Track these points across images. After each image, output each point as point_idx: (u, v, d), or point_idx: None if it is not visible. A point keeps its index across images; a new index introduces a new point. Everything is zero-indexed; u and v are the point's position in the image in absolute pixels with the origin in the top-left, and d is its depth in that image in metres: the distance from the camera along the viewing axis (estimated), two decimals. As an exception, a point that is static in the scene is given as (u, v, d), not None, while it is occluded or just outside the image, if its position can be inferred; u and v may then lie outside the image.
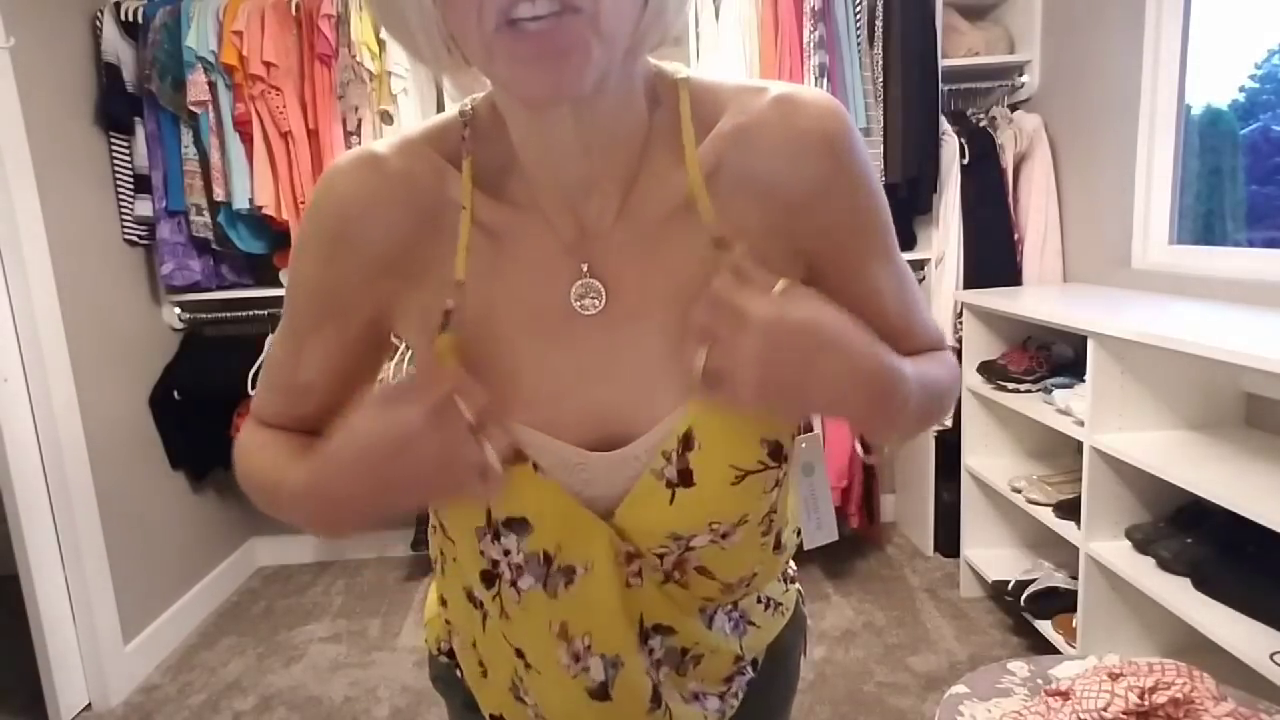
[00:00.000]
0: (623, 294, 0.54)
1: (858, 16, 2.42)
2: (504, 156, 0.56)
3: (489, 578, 0.60)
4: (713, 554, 0.59)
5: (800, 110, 0.53)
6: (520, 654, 0.61)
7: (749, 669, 0.70)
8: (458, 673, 0.71)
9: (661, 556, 0.59)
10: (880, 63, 2.46)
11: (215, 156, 2.42)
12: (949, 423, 2.58)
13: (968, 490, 2.44)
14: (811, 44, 2.39)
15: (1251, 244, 2.02)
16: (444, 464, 0.49)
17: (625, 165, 0.54)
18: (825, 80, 2.38)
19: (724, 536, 0.58)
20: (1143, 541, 1.73)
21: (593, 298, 0.54)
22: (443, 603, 0.71)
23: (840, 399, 0.50)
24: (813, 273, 0.58)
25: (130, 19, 2.41)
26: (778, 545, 0.66)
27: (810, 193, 0.54)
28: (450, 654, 0.73)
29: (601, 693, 0.59)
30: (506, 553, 0.57)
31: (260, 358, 2.61)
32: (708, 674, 0.65)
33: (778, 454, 0.57)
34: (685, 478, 0.54)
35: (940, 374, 0.62)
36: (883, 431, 0.59)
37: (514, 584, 0.58)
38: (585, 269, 0.54)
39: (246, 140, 2.41)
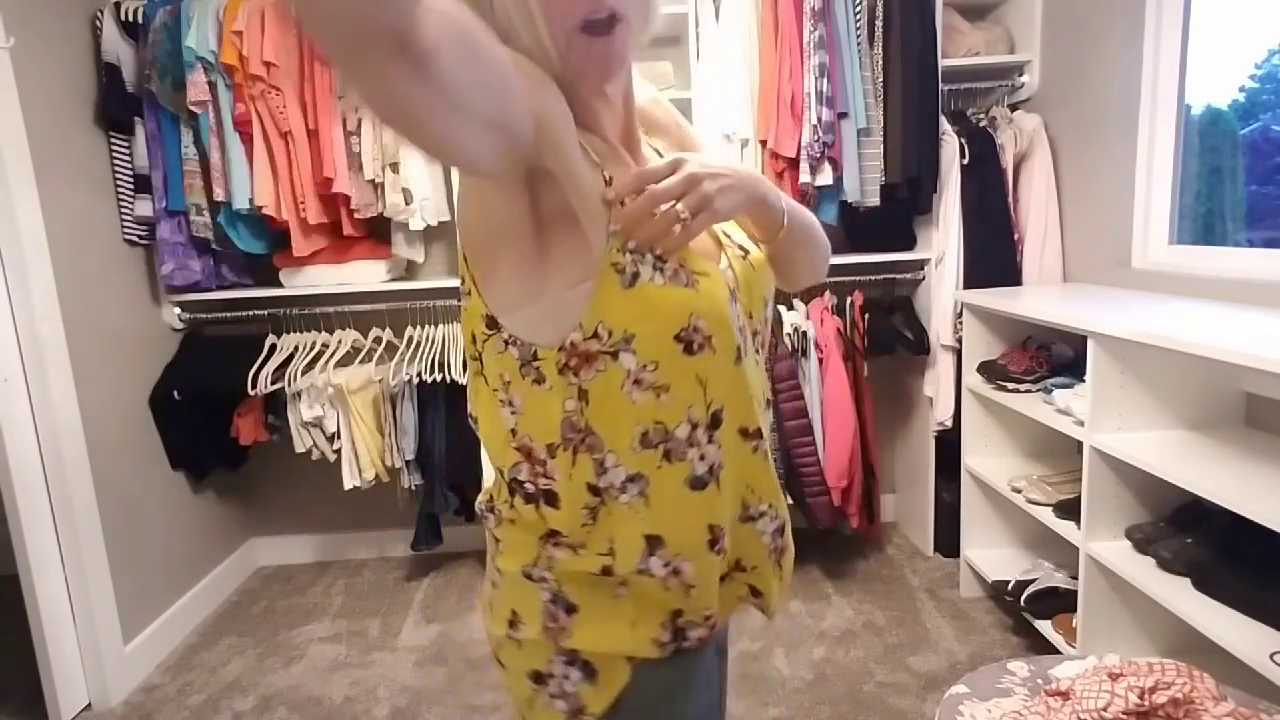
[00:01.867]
0: None
1: (858, 16, 2.42)
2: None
3: (740, 352, 0.75)
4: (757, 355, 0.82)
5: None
6: (759, 433, 0.78)
7: None
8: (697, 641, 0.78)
9: (757, 334, 0.81)
10: (880, 63, 2.46)
11: (215, 156, 2.42)
12: (949, 423, 2.59)
13: (968, 490, 2.44)
14: (811, 44, 2.39)
15: (1251, 244, 2.02)
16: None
17: (632, 116, 0.78)
18: (825, 80, 2.38)
19: (766, 305, 0.83)
20: (1143, 541, 1.73)
21: None
22: (611, 553, 0.75)
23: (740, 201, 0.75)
24: None
25: (130, 19, 2.41)
26: None
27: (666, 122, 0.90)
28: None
29: (762, 444, 0.79)
30: (741, 325, 0.76)
31: (260, 357, 2.61)
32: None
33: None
34: (746, 252, 0.81)
35: (813, 220, 0.88)
36: (769, 223, 0.80)
37: (750, 351, 0.78)
38: (631, 164, 0.77)
39: (246, 140, 2.40)
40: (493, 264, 0.71)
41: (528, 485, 0.75)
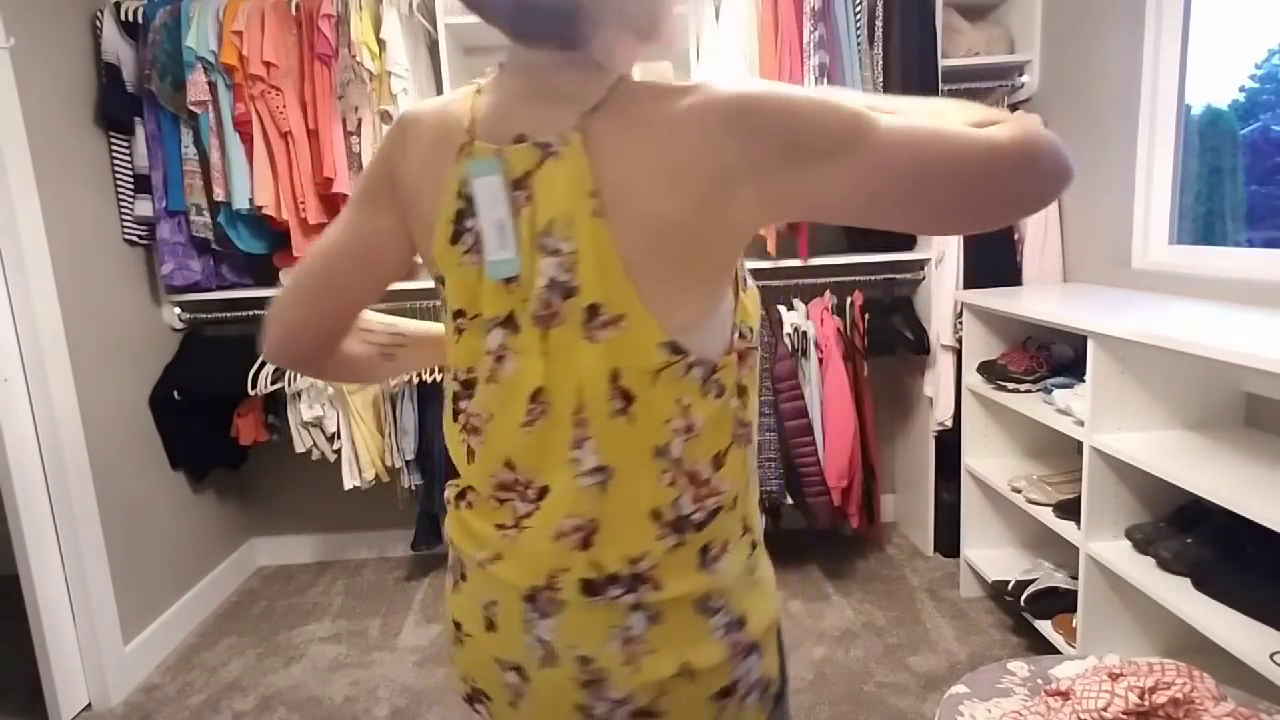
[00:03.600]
0: None
1: (858, 16, 2.42)
2: None
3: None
4: None
5: None
6: None
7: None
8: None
9: None
10: (880, 63, 2.46)
11: (215, 156, 2.42)
12: (949, 423, 2.59)
13: (968, 490, 2.44)
14: (811, 44, 2.39)
15: (1251, 244, 2.02)
16: None
17: None
18: (825, 80, 2.38)
19: None
20: (1143, 541, 1.73)
21: None
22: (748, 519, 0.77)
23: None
24: None
25: (130, 19, 2.41)
26: None
27: None
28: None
29: None
30: None
31: (260, 357, 2.61)
32: None
33: None
34: None
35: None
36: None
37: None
38: None
39: (246, 140, 2.40)
40: (682, 287, 0.66)
41: (695, 514, 0.71)
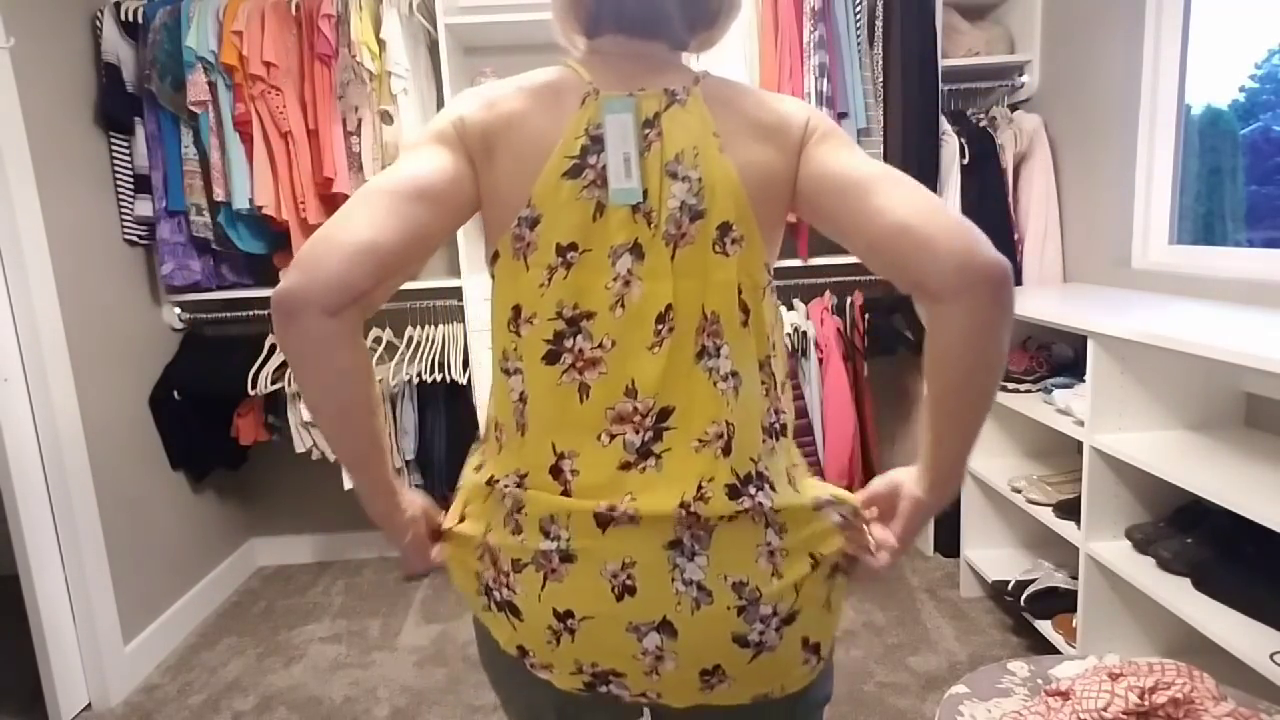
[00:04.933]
0: None
1: (858, 16, 2.42)
2: None
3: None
4: None
5: None
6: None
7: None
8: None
9: None
10: (880, 63, 2.46)
11: (215, 156, 2.42)
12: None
13: (968, 490, 2.44)
14: (811, 44, 2.39)
15: (1251, 244, 2.02)
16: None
17: None
18: (825, 80, 2.38)
19: None
20: (1143, 541, 1.73)
21: None
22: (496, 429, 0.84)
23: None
24: None
25: (130, 19, 2.41)
26: None
27: None
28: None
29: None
30: None
31: (260, 358, 2.61)
32: None
33: None
34: None
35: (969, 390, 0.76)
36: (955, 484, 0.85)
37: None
38: None
39: (246, 140, 2.40)
40: (771, 222, 0.80)
41: (775, 424, 0.83)
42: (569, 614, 0.76)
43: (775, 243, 0.82)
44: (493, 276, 0.82)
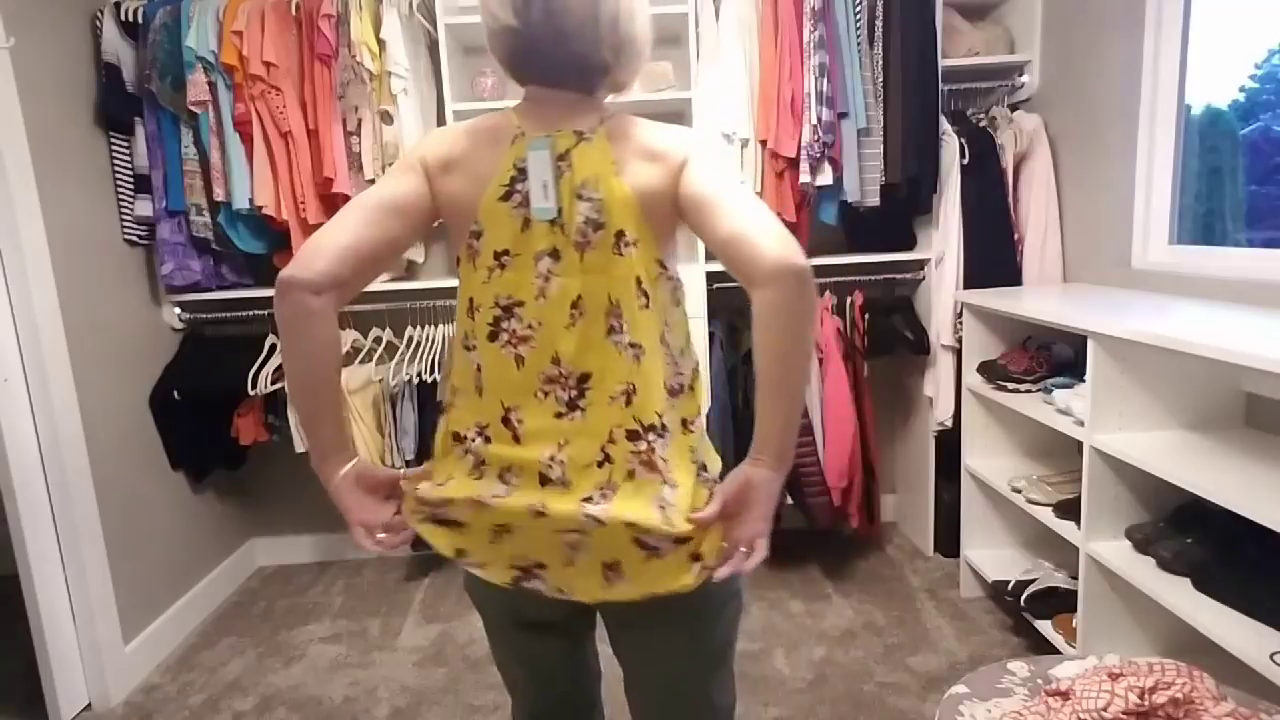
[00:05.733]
0: None
1: (858, 16, 2.42)
2: None
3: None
4: None
5: None
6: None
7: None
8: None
9: None
10: (880, 63, 2.46)
11: (215, 156, 2.42)
12: (949, 423, 2.59)
13: (968, 490, 2.44)
14: (811, 44, 2.39)
15: (1251, 244, 2.02)
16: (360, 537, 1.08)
17: None
18: (825, 80, 2.38)
19: None
20: (1143, 541, 1.73)
21: None
22: (453, 393, 1.06)
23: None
24: None
25: (130, 19, 2.41)
26: None
27: None
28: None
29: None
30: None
31: (260, 357, 2.61)
32: None
33: None
34: None
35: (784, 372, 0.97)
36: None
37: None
38: None
39: (246, 140, 2.41)
40: (659, 228, 1.00)
41: (675, 383, 1.02)
42: (505, 526, 0.99)
43: (667, 243, 1.02)
44: (458, 276, 1.05)
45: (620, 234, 0.97)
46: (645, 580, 0.97)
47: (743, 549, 0.97)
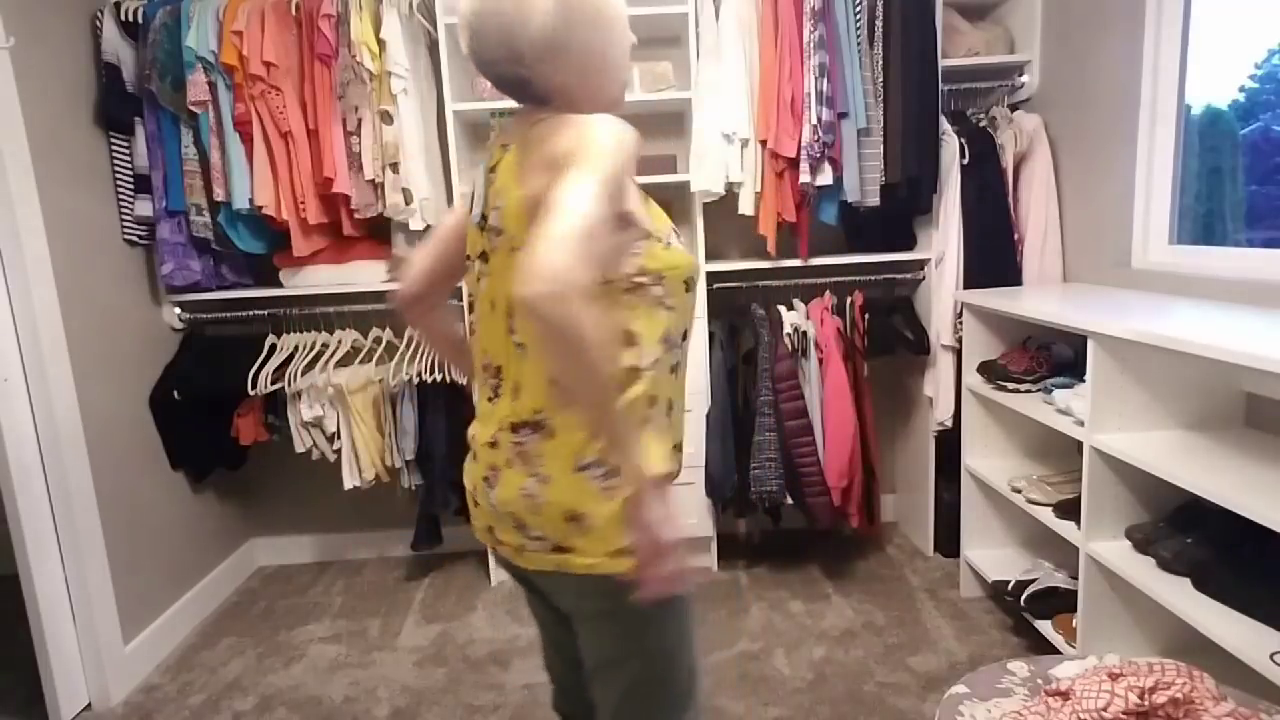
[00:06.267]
0: None
1: (858, 16, 2.42)
2: None
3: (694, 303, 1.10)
4: None
5: None
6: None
7: None
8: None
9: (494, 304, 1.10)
10: (880, 63, 2.46)
11: (215, 156, 2.42)
12: (949, 423, 2.59)
13: (968, 490, 2.44)
14: (811, 44, 2.39)
15: (1251, 244, 2.02)
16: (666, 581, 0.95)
17: None
18: (825, 80, 2.38)
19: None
20: (1143, 541, 1.73)
21: None
22: (652, 402, 1.05)
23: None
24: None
25: (130, 19, 2.41)
26: None
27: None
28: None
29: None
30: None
31: (260, 357, 2.61)
32: None
33: None
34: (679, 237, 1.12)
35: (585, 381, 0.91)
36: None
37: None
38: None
39: (246, 140, 2.41)
40: None
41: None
42: (472, 495, 1.12)
43: None
44: None
45: (513, 239, 1.00)
46: (526, 558, 1.06)
47: (648, 563, 0.94)
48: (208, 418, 2.64)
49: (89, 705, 2.19)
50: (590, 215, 0.84)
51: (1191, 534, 1.67)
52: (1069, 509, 1.95)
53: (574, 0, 1.00)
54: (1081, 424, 1.82)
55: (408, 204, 2.42)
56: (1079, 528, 1.85)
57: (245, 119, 2.39)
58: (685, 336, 1.11)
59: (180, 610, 2.56)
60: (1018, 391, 2.20)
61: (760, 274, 2.69)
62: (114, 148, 2.42)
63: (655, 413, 1.05)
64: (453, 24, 2.43)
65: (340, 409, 2.60)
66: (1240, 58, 1.99)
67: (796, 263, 2.63)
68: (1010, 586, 2.18)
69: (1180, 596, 1.57)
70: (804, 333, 2.58)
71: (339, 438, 2.62)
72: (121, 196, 2.45)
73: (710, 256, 2.68)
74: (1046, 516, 2.02)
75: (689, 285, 1.08)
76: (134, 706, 2.20)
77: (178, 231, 2.50)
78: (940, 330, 2.58)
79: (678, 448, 1.10)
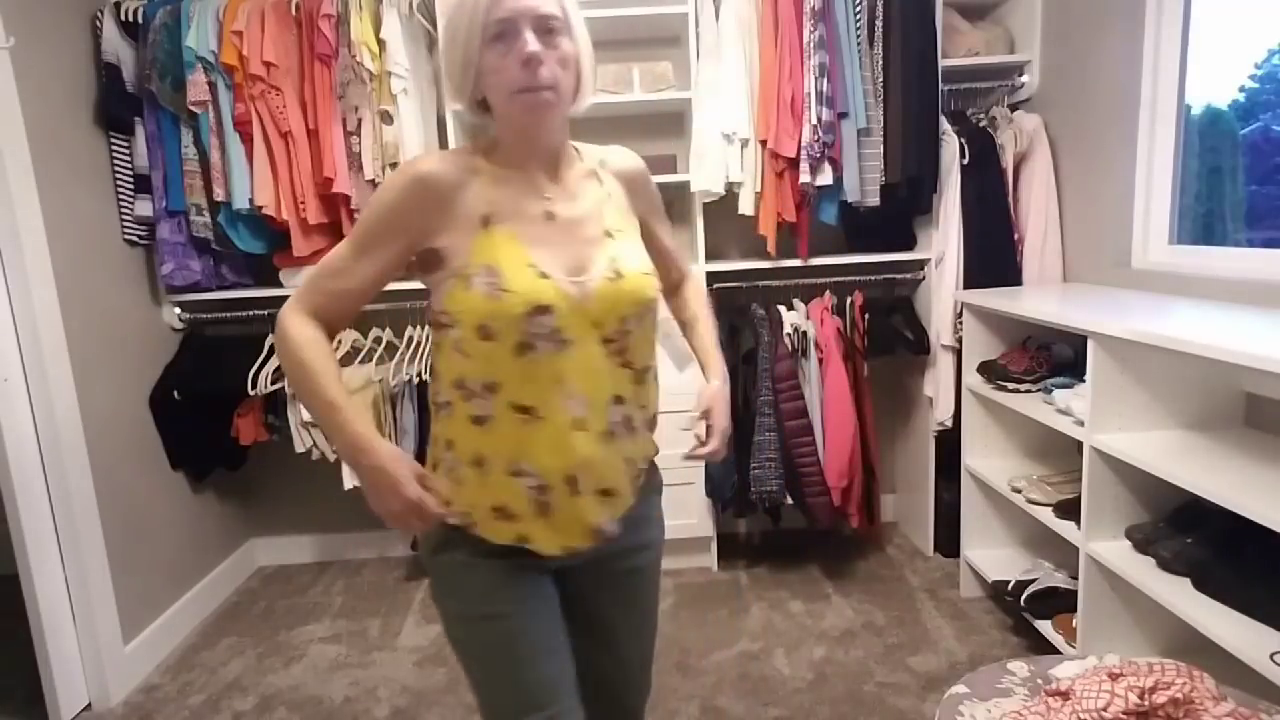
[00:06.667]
0: (564, 208, 1.06)
1: (858, 16, 2.42)
2: (498, 150, 1.06)
3: (522, 348, 0.98)
4: (634, 340, 1.06)
5: (626, 153, 1.17)
6: (531, 411, 1.00)
7: (643, 473, 1.14)
8: (466, 529, 1.06)
9: (615, 341, 1.03)
10: (880, 63, 2.46)
11: (215, 156, 2.42)
12: (949, 423, 2.59)
13: (968, 490, 2.44)
14: (811, 44, 2.39)
15: (1251, 244, 2.02)
16: (391, 517, 0.98)
17: (554, 153, 1.07)
18: (825, 80, 2.38)
19: (640, 321, 1.05)
20: (1143, 541, 1.73)
21: (549, 209, 1.04)
22: (448, 446, 1.06)
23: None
24: (642, 226, 1.16)
25: (130, 19, 2.41)
26: (654, 373, 1.14)
27: (637, 187, 1.16)
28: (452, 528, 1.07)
29: (580, 424, 1.02)
30: (538, 327, 0.97)
31: (260, 357, 2.61)
32: (635, 448, 1.10)
33: (653, 272, 1.09)
34: (619, 275, 1.03)
35: (708, 312, 1.32)
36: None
37: (537, 349, 0.98)
38: (547, 196, 1.05)
39: (246, 140, 2.41)
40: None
41: (433, 393, 1.12)
42: None
43: (426, 276, 1.06)
44: None
45: None
46: None
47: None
48: (208, 418, 2.64)
49: (89, 705, 2.19)
50: (328, 257, 1.05)
51: (1191, 534, 1.67)
52: (1069, 509, 1.95)
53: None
54: (1081, 424, 1.82)
55: (408, 204, 2.41)
56: (1079, 528, 1.85)
57: (245, 119, 2.39)
58: (493, 389, 1.00)
59: (180, 610, 2.56)
60: (1018, 391, 2.20)
61: (760, 274, 2.69)
62: (114, 148, 2.42)
63: (452, 459, 1.04)
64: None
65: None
66: (1240, 58, 1.99)
67: (796, 263, 2.63)
68: (1010, 586, 2.18)
69: (1180, 596, 1.57)
70: (804, 333, 2.58)
71: (339, 438, 2.61)
72: (121, 196, 2.45)
73: (710, 256, 2.68)
74: (1046, 516, 2.02)
75: (484, 334, 0.97)
76: (134, 706, 2.19)
77: (178, 231, 2.50)
78: (940, 330, 2.58)
79: (499, 510, 1.03)
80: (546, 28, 0.97)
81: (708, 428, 1.16)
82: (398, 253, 1.03)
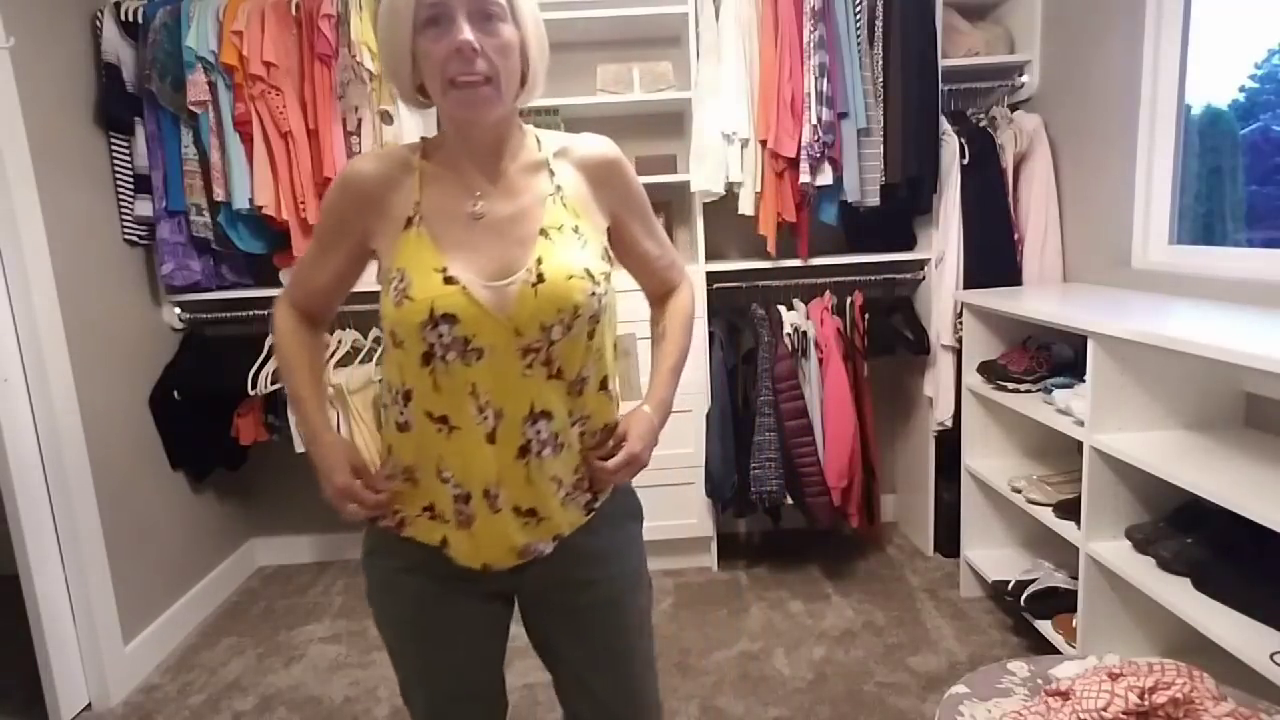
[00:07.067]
0: (497, 207, 0.98)
1: (858, 16, 2.42)
2: (440, 146, 1.01)
3: (427, 357, 0.93)
4: (562, 349, 0.96)
5: (596, 140, 1.05)
6: (444, 420, 0.96)
7: (585, 490, 1.06)
8: (395, 530, 1.05)
9: (539, 350, 0.95)
10: (880, 63, 2.46)
11: (215, 156, 2.42)
12: (949, 423, 2.59)
13: (968, 490, 2.44)
14: (811, 44, 2.39)
15: (1251, 244, 2.02)
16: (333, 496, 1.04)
17: (494, 148, 0.99)
18: (825, 80, 2.38)
19: (568, 329, 0.95)
20: (1143, 541, 1.73)
21: (481, 209, 0.97)
22: (389, 449, 1.04)
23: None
24: (614, 224, 1.07)
25: (130, 19, 2.41)
26: (603, 385, 1.05)
27: (603, 177, 1.04)
28: (384, 530, 1.07)
29: (491, 437, 0.96)
30: (440, 336, 0.92)
31: (260, 357, 2.61)
32: (563, 467, 1.02)
33: (588, 274, 0.96)
34: (541, 279, 0.93)
35: (681, 333, 1.16)
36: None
37: (443, 358, 0.93)
38: (478, 195, 0.98)
39: (246, 140, 2.40)
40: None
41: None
42: None
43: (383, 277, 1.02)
44: None
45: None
46: None
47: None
48: (208, 418, 2.64)
49: (89, 705, 2.19)
50: (303, 254, 1.09)
51: (1191, 534, 1.67)
52: (1069, 509, 1.95)
53: None
54: (1081, 424, 1.82)
55: (408, 204, 2.42)
56: (1079, 528, 1.85)
57: (245, 119, 2.38)
58: (408, 397, 0.96)
59: (180, 610, 2.56)
60: (1018, 391, 2.20)
61: (760, 274, 2.69)
62: (114, 148, 2.42)
63: (392, 462, 1.03)
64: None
65: (340, 409, 2.60)
66: (1240, 58, 1.99)
67: (796, 263, 2.63)
68: (1010, 586, 2.18)
69: (1180, 596, 1.57)
70: (804, 333, 2.58)
71: (339, 438, 2.61)
72: (121, 196, 2.45)
73: (710, 256, 2.68)
74: (1046, 516, 2.02)
75: (395, 341, 0.94)
76: (134, 706, 2.19)
77: (178, 231, 2.50)
78: (940, 330, 2.58)
79: (428, 509, 1.01)
80: (484, 13, 0.88)
81: (615, 447, 1.05)
82: (349, 252, 1.03)
